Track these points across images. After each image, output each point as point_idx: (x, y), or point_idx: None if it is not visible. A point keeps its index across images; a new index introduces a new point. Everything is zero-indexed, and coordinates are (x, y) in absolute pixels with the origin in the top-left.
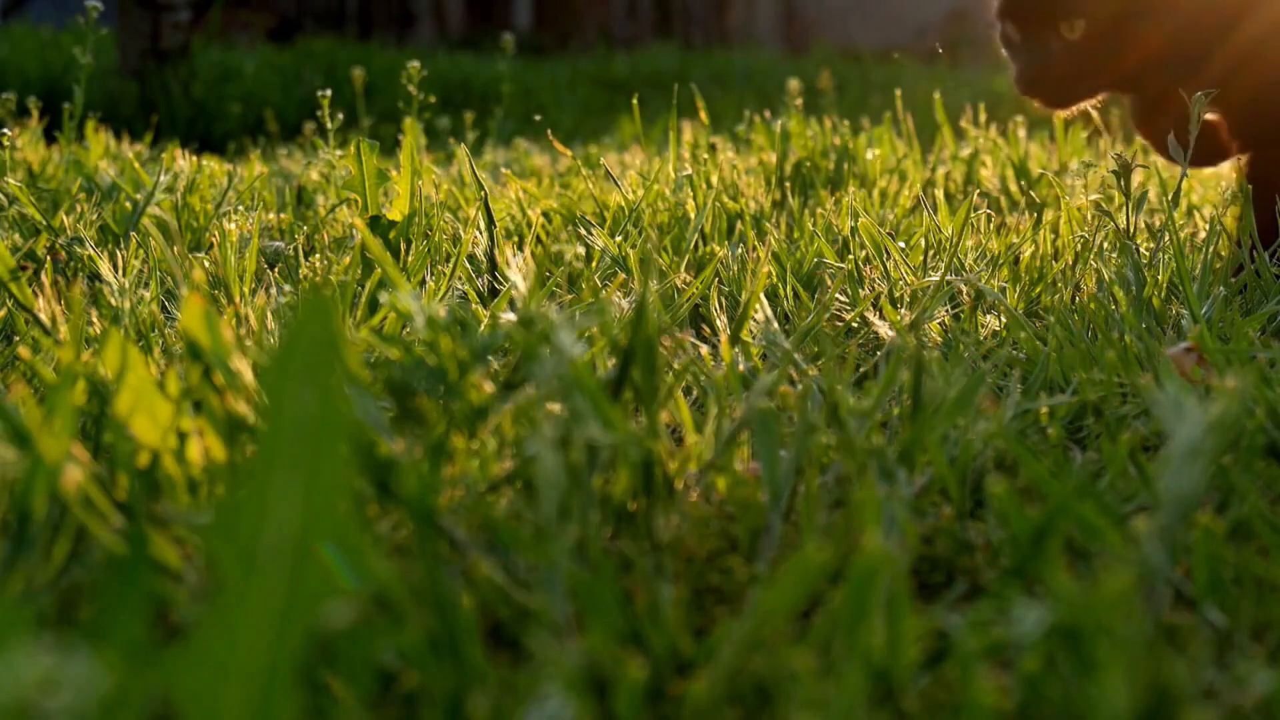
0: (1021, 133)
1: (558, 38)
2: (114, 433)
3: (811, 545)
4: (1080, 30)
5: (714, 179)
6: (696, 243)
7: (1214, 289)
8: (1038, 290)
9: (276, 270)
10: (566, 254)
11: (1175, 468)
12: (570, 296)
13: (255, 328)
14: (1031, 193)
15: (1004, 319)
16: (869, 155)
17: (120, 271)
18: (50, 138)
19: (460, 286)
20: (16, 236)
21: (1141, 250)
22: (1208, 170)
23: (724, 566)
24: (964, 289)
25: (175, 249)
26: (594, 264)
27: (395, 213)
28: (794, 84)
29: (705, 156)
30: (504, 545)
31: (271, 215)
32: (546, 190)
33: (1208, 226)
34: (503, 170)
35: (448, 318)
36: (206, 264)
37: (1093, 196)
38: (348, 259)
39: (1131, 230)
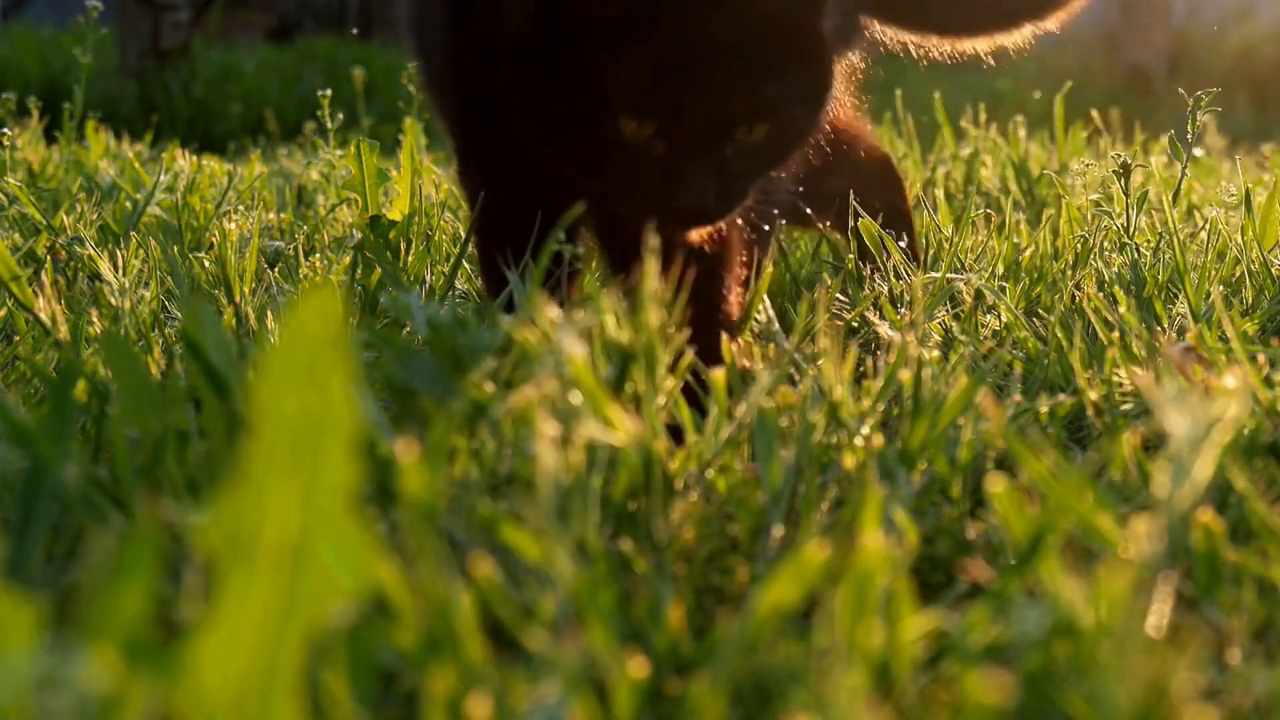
0: (1021, 132)
1: None
2: (114, 433)
3: (811, 545)
4: (762, 133)
5: None
6: None
7: (1214, 288)
8: (1038, 290)
9: (277, 270)
10: (567, 253)
11: (1175, 468)
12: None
13: (255, 327)
14: (1032, 192)
15: (1004, 319)
16: None
17: (120, 271)
18: (50, 137)
19: (461, 286)
20: (16, 236)
21: (1142, 250)
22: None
23: (724, 566)
24: (964, 289)
25: (175, 249)
26: (594, 263)
27: (395, 212)
28: None
29: None
30: (504, 545)
31: (272, 215)
32: None
33: (1208, 226)
34: None
35: (448, 317)
36: (207, 264)
37: (1093, 196)
38: (348, 259)
39: (1131, 230)
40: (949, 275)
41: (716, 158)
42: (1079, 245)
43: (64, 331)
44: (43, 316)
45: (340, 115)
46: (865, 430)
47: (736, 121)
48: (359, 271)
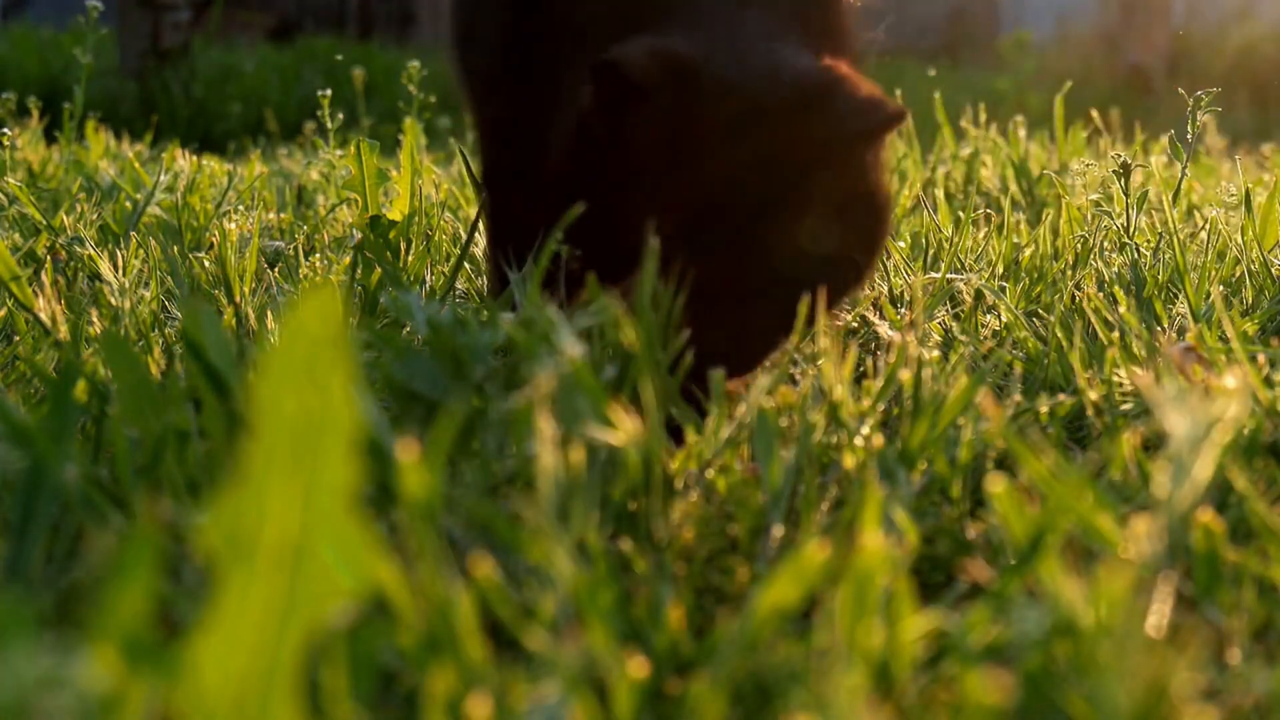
0: (1021, 133)
1: None
2: (114, 433)
3: (811, 545)
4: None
5: None
6: None
7: (1214, 288)
8: (1038, 290)
9: (277, 270)
10: (565, 253)
11: (1175, 468)
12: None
13: (255, 327)
14: (1032, 192)
15: (1004, 319)
16: None
17: (120, 271)
18: (50, 137)
19: (461, 286)
20: (16, 236)
21: (1142, 250)
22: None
23: (724, 566)
24: (964, 289)
25: (175, 249)
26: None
27: (395, 212)
28: None
29: None
30: (504, 545)
31: (272, 215)
32: None
33: (1208, 226)
34: None
35: (448, 317)
36: (207, 264)
37: (1093, 196)
38: (348, 259)
39: (1131, 230)
40: (949, 275)
41: (746, 308)
42: (1079, 245)
43: (64, 331)
44: (43, 316)
45: (340, 115)
46: (865, 430)
47: (772, 281)
48: (359, 271)
